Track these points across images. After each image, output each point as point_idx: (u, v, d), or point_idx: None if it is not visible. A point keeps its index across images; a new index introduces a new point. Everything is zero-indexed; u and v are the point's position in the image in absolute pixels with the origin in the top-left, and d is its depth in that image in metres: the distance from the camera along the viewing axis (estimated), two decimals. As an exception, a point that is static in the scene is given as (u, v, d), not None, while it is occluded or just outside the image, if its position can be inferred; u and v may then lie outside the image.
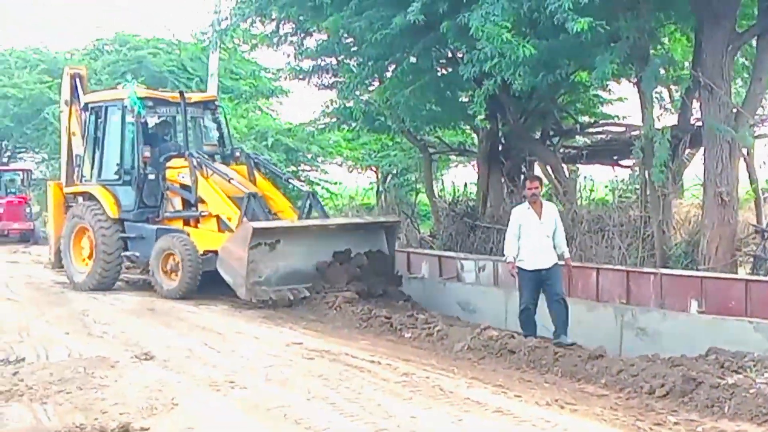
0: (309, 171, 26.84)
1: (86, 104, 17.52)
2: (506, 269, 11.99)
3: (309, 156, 25.72)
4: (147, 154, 16.13)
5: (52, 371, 9.25)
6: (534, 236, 11.00)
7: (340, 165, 30.07)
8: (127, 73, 29.85)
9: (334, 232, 15.04)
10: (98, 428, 7.06)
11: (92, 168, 17.17)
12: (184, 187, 15.95)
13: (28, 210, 30.70)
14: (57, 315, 13.32)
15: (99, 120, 17.05)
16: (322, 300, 14.06)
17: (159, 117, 17.11)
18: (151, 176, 16.16)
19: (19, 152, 46.15)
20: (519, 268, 11.06)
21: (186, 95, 17.31)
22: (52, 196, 18.71)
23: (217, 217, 15.28)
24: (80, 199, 17.46)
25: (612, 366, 9.10)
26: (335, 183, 29.47)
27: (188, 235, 15.38)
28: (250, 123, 24.50)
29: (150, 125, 16.87)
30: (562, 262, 11.25)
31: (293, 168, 25.28)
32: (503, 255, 11.82)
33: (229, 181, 15.39)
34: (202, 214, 15.52)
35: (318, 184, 27.43)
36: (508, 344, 10.51)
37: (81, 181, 17.54)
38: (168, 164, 16.24)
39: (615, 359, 9.41)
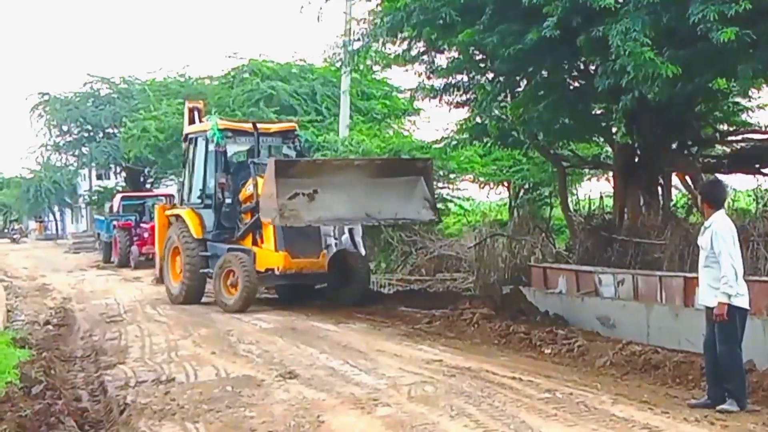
0: (442, 188, 26.90)
1: (186, 135, 19.55)
2: None
3: (442, 172, 25.76)
4: (222, 180, 17.75)
5: (202, 390, 9.58)
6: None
7: (472, 181, 30.04)
8: (260, 101, 30.74)
9: (374, 181, 16.29)
10: (249, 445, 7.24)
11: (186, 193, 19.14)
12: (249, 199, 17.26)
13: (171, 234, 31.75)
14: (203, 335, 13.76)
15: (193, 149, 18.92)
16: (459, 317, 14.13)
17: (239, 146, 18.71)
18: (228, 200, 17.66)
19: (162, 178, 47.96)
20: None
21: (265, 125, 19.28)
22: (157, 219, 20.31)
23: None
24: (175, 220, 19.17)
25: (763, 381, 8.86)
26: (467, 199, 29.47)
27: (253, 253, 16.80)
28: (386, 141, 24.77)
29: (230, 154, 18.40)
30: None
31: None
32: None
33: None
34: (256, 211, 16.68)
35: (451, 201, 27.48)
36: (651, 359, 10.35)
37: (180, 205, 19.46)
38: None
39: (766, 374, 9.12)
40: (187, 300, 17.81)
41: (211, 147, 18.09)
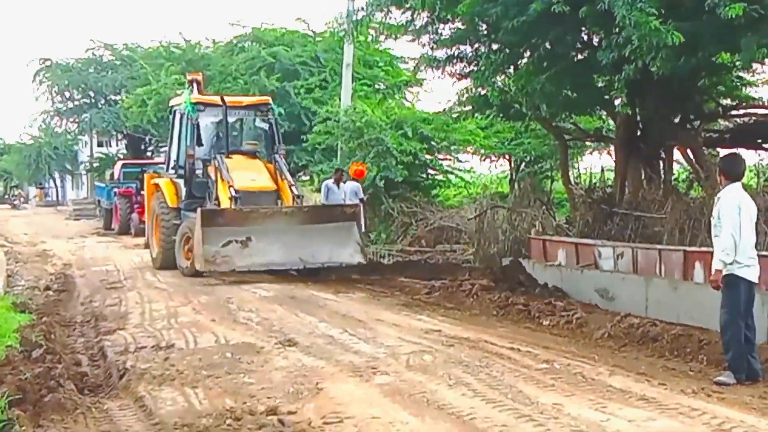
0: (443, 159, 26.81)
1: (170, 107, 20.25)
2: None
3: (443, 144, 25.65)
4: (191, 152, 18.34)
5: (201, 357, 9.61)
6: None
7: (473, 153, 29.98)
8: (262, 68, 30.56)
9: (306, 228, 16.58)
10: (247, 411, 7.26)
11: (167, 163, 19.92)
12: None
13: (167, 202, 31.72)
14: (203, 302, 13.79)
15: (173, 120, 19.57)
16: (458, 288, 14.15)
17: (213, 119, 19.19)
18: (198, 171, 18.27)
19: (163, 145, 47.82)
20: None
21: (236, 99, 19.97)
22: (146, 187, 20.88)
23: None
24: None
25: (762, 354, 8.85)
26: (468, 171, 29.41)
27: None
28: (388, 112, 24.65)
29: (202, 127, 18.82)
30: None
31: (429, 156, 25.40)
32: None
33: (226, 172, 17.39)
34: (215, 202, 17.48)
35: (452, 173, 27.43)
36: (649, 332, 10.38)
37: (164, 174, 20.08)
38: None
39: (764, 347, 9.14)
40: (163, 265, 18.37)
41: (185, 119, 18.72)
